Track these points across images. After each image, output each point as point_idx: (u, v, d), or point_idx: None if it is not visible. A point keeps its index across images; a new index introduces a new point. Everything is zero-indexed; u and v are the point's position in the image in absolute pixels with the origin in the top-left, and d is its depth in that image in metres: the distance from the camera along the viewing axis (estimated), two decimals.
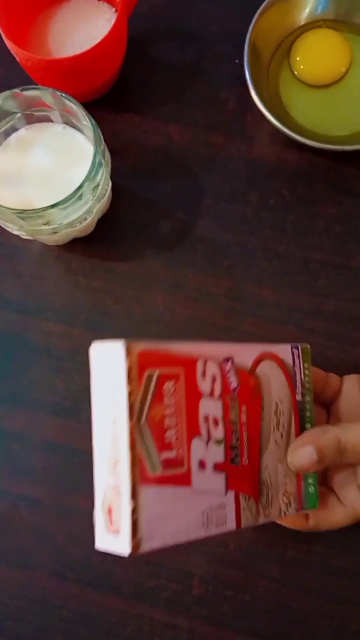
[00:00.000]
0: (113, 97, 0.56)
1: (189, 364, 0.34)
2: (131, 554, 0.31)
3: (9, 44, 0.48)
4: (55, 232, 0.46)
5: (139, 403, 0.32)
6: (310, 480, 0.41)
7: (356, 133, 0.54)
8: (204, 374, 0.35)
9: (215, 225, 0.54)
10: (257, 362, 0.39)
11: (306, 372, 0.42)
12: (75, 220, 0.46)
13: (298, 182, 0.54)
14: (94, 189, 0.45)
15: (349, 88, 0.55)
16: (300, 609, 0.48)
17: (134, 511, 0.31)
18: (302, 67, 0.55)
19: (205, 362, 0.35)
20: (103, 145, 0.45)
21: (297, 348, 0.42)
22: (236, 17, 0.57)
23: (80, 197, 0.43)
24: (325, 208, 0.54)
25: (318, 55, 0.56)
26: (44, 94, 0.45)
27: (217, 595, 0.48)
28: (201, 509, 0.34)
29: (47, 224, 0.44)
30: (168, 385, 0.33)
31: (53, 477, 0.50)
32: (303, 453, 0.40)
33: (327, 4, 0.56)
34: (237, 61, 0.56)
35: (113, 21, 0.52)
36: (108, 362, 0.32)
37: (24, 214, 0.42)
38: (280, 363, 0.41)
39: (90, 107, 0.49)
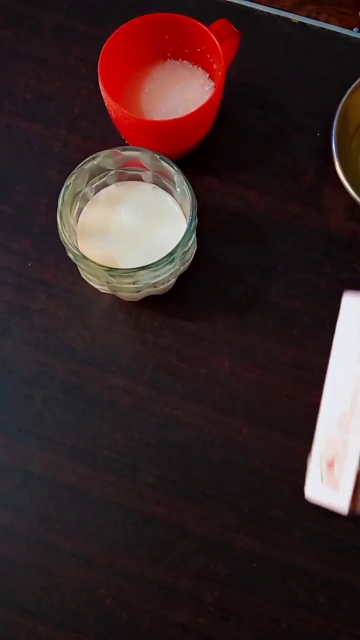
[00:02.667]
0: (196, 158, 0.56)
1: None
2: (349, 512, 0.31)
3: (108, 101, 0.48)
4: (138, 291, 0.46)
5: None
6: None
7: None
8: None
9: (287, 293, 0.54)
10: None
11: None
12: (160, 281, 0.46)
13: None
14: (183, 253, 0.45)
15: None
16: None
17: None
18: None
19: None
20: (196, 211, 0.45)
21: None
22: (320, 90, 0.58)
23: (171, 261, 0.43)
24: None
25: None
26: (142, 155, 0.45)
27: None
28: None
29: (134, 283, 0.44)
30: None
31: (106, 536, 0.49)
32: None
33: None
34: (318, 134, 0.57)
35: (206, 86, 0.53)
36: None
37: (114, 272, 0.42)
38: None
39: None
